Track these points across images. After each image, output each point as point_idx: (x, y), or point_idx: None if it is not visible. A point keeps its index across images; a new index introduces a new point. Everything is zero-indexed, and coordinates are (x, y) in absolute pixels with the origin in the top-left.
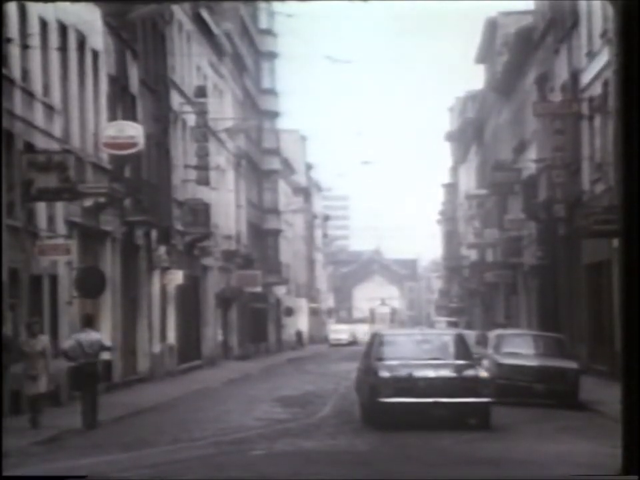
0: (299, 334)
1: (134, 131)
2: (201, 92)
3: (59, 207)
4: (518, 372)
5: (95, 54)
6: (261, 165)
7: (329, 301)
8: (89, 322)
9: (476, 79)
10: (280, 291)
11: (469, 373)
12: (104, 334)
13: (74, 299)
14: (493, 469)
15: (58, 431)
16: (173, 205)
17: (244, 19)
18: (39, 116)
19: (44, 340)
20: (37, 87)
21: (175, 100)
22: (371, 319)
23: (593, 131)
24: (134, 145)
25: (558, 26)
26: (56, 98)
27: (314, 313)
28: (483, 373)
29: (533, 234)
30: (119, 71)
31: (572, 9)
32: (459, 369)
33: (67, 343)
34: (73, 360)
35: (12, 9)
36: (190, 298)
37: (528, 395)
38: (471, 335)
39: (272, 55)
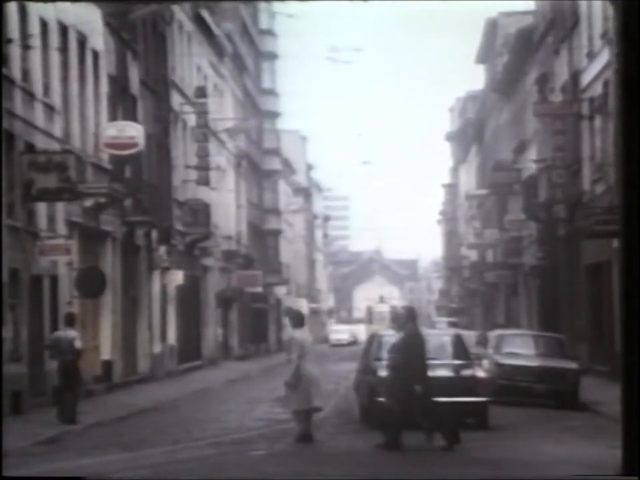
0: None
1: (134, 131)
2: (201, 92)
3: (59, 207)
4: (518, 372)
5: (96, 54)
6: (262, 165)
7: (329, 301)
8: (71, 321)
9: (476, 79)
10: (280, 291)
11: (467, 372)
12: (103, 334)
13: (74, 299)
14: (493, 469)
15: (58, 431)
16: (173, 205)
17: (244, 19)
18: (39, 116)
19: None
20: (38, 87)
21: (176, 100)
22: (368, 318)
23: (593, 131)
24: (134, 145)
25: (558, 26)
26: (56, 98)
27: (314, 313)
28: (481, 373)
29: (533, 234)
30: (119, 71)
31: (572, 10)
32: (456, 368)
33: (49, 338)
34: (52, 355)
35: (12, 9)
36: (190, 298)
37: (528, 395)
38: (471, 336)
39: (272, 55)
